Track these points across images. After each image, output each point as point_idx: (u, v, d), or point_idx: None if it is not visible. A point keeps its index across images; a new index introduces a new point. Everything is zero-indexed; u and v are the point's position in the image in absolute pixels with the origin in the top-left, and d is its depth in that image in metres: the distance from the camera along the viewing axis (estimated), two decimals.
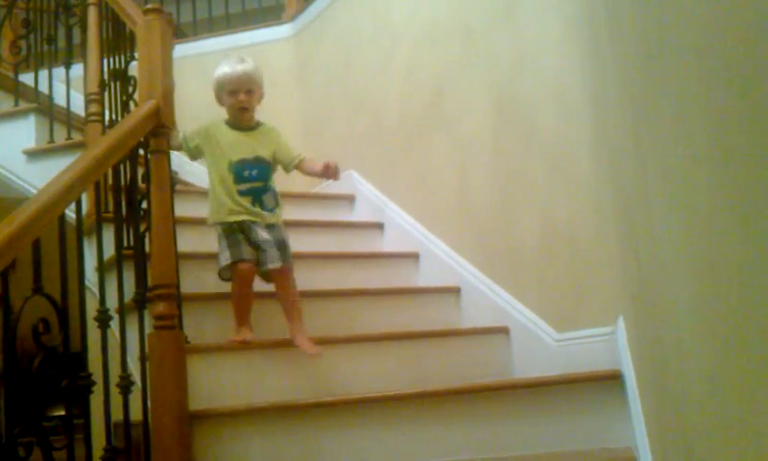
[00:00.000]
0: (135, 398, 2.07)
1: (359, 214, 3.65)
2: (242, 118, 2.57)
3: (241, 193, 2.49)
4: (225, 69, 2.53)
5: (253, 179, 2.51)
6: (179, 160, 3.51)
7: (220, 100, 2.58)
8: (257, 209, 2.49)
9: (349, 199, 3.69)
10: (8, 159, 3.44)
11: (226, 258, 2.44)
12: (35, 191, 2.50)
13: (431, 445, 2.13)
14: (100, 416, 1.93)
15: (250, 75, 2.53)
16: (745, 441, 0.66)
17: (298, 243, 3.08)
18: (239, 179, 2.50)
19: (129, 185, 2.34)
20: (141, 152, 2.34)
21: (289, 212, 3.38)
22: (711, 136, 0.64)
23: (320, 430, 2.15)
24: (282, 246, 2.48)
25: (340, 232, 3.41)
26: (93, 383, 1.87)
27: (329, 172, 2.57)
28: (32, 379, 1.71)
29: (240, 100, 2.53)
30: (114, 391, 1.98)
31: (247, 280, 2.47)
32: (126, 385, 2.00)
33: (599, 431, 2.00)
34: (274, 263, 2.44)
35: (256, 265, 2.47)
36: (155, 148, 2.29)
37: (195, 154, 2.58)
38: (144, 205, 2.32)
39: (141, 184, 2.33)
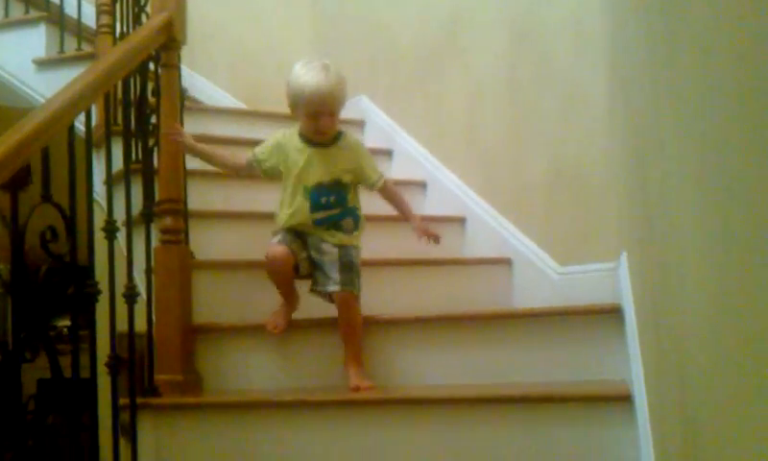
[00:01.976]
0: (140, 310, 2.10)
1: (368, 140, 3.62)
2: (317, 140, 2.20)
3: (317, 223, 2.18)
4: (306, 81, 2.11)
5: (330, 206, 2.19)
6: (189, 77, 3.49)
7: (293, 112, 2.21)
8: (333, 233, 2.19)
9: (359, 124, 3.66)
10: (17, 68, 3.42)
11: (273, 241, 2.20)
12: (43, 101, 2.49)
13: (431, 369, 2.17)
14: (104, 327, 1.96)
15: (335, 95, 2.13)
16: (739, 378, 0.67)
17: None
18: (315, 207, 2.17)
19: (138, 99, 2.33)
20: (152, 67, 2.32)
21: None
22: (729, 69, 0.63)
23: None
24: (347, 267, 2.14)
25: None
26: (99, 292, 1.89)
27: (423, 231, 2.26)
28: (38, 287, 1.73)
29: (322, 124, 2.15)
30: (120, 302, 2.01)
31: (275, 263, 2.17)
32: (131, 295, 2.02)
33: (596, 363, 2.03)
34: (331, 286, 2.13)
35: (313, 284, 2.20)
36: (165, 62, 2.27)
37: (270, 175, 2.27)
38: (153, 119, 2.31)
39: (151, 99, 2.31)
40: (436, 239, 2.27)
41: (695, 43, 0.79)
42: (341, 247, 2.17)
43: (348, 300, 2.14)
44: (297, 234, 2.20)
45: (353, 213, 2.23)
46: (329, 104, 2.13)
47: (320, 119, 2.13)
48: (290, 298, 2.24)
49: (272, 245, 2.18)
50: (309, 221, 2.18)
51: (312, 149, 2.19)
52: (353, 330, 2.15)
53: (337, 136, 2.22)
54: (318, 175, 2.18)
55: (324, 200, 2.18)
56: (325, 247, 2.17)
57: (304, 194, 2.18)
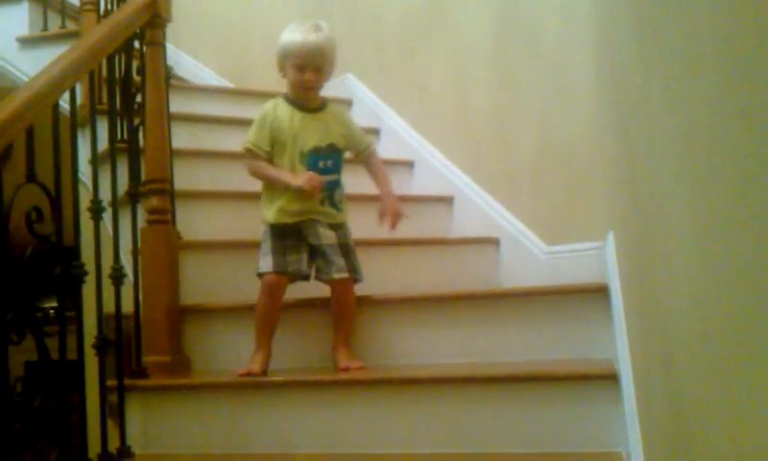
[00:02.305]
0: (127, 291, 2.09)
1: (355, 119, 3.59)
2: (307, 97, 2.20)
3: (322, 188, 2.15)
4: (294, 37, 2.14)
5: (329, 171, 2.16)
6: (174, 56, 3.47)
7: (282, 70, 2.20)
8: (325, 208, 2.16)
9: (346, 103, 3.65)
10: (0, 47, 3.38)
11: (266, 265, 2.12)
12: (27, 80, 2.46)
13: (419, 347, 2.17)
14: (91, 308, 1.95)
15: (323, 50, 2.14)
16: (725, 354, 0.67)
17: None
18: (314, 172, 2.14)
19: (123, 78, 2.31)
20: (137, 45, 2.29)
21: None
22: (718, 44, 0.63)
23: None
24: (348, 251, 2.15)
25: None
26: (85, 273, 1.89)
27: (388, 216, 2.22)
28: (24, 268, 1.72)
29: (307, 79, 2.14)
30: (106, 283, 2.00)
31: (276, 295, 2.13)
32: (118, 276, 2.01)
33: (584, 342, 2.04)
34: (340, 273, 2.11)
35: (317, 272, 2.16)
36: (150, 40, 2.25)
37: (271, 158, 2.19)
38: (138, 98, 2.29)
39: (136, 77, 2.29)
40: (393, 224, 2.23)
41: (681, 19, 0.78)
42: (337, 228, 2.16)
43: (348, 285, 2.13)
44: (289, 231, 2.14)
45: (341, 185, 2.21)
46: (316, 57, 2.13)
47: (305, 72, 2.14)
48: (273, 330, 2.15)
49: (267, 278, 2.12)
50: (315, 201, 2.13)
51: (302, 113, 2.18)
52: (348, 314, 2.15)
53: (324, 103, 2.23)
54: (314, 138, 2.16)
55: (322, 164, 2.15)
56: (322, 230, 2.14)
57: (302, 160, 2.14)
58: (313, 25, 2.16)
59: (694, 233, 0.78)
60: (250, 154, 2.17)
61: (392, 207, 2.22)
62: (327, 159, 2.16)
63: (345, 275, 2.11)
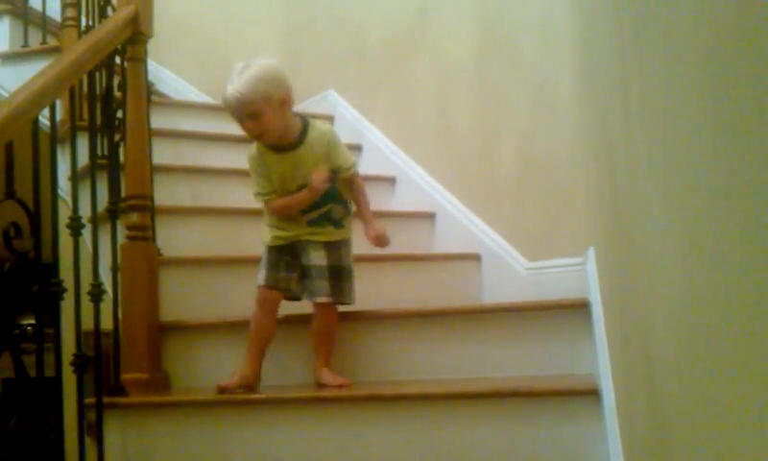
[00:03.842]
0: (106, 308, 2.07)
1: None
2: (267, 143, 2.07)
3: (311, 223, 2.12)
4: (224, 93, 2.00)
5: (319, 205, 2.10)
6: (156, 71, 3.46)
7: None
8: (323, 228, 2.12)
9: (328, 119, 3.65)
10: None
11: (260, 279, 2.10)
12: (7, 95, 2.44)
13: (401, 365, 2.17)
14: (69, 325, 1.93)
15: (244, 98, 1.94)
16: (707, 367, 0.67)
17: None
18: (305, 209, 2.10)
19: (104, 93, 2.30)
20: (118, 61, 2.29)
21: None
22: (699, 58, 0.64)
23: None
24: (337, 274, 2.10)
25: None
26: (64, 290, 1.87)
27: (376, 239, 2.17)
28: (1, 284, 1.70)
29: (249, 129, 2.01)
30: (85, 300, 1.98)
31: (268, 308, 2.09)
32: (97, 294, 1.99)
33: (565, 358, 2.04)
34: (320, 297, 2.08)
35: (302, 292, 2.14)
36: (131, 55, 2.24)
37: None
38: (119, 114, 2.28)
39: (117, 93, 2.28)
40: (381, 243, 2.18)
41: (662, 37, 0.79)
42: (330, 247, 2.11)
43: (328, 309, 2.10)
44: (285, 250, 2.13)
45: (342, 200, 2.16)
46: (242, 106, 1.95)
47: (243, 123, 2.00)
48: (264, 345, 2.09)
49: (261, 292, 2.09)
50: (302, 221, 2.10)
51: (280, 155, 2.07)
52: (327, 338, 2.12)
53: (303, 130, 2.08)
54: (299, 177, 2.08)
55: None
56: (313, 251, 2.10)
57: None
58: (238, 69, 1.98)
59: (676, 248, 0.79)
60: (261, 200, 2.14)
61: (376, 233, 2.16)
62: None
63: (324, 299, 2.08)
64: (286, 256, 2.12)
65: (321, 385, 2.05)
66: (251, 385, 2.03)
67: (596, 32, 1.63)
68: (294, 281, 2.12)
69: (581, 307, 2.05)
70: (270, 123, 1.98)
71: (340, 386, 2.02)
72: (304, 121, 2.10)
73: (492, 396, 1.86)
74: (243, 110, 1.96)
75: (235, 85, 1.94)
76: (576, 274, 2.21)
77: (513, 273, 2.56)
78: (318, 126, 2.11)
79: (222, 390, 2.01)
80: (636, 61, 1.00)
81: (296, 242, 2.11)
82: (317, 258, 2.09)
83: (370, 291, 2.49)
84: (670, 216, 0.81)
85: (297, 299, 2.15)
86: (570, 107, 2.29)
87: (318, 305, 2.10)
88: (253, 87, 1.94)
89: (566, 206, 2.35)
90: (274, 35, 4.07)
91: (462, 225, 2.83)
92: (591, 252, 2.07)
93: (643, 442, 1.22)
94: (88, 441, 1.95)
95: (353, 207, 2.21)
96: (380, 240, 2.16)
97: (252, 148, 2.12)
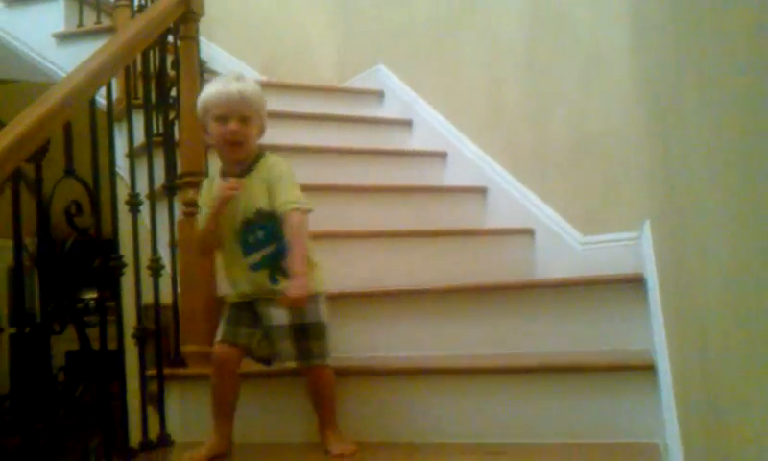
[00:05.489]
0: (165, 282, 2.12)
1: (387, 110, 3.61)
2: (233, 156, 1.88)
3: (254, 268, 1.86)
4: (212, 88, 1.87)
5: (262, 243, 1.85)
6: (207, 49, 3.49)
7: (204, 129, 1.92)
8: (276, 286, 1.83)
9: (378, 94, 3.65)
10: (38, 43, 3.44)
11: (218, 334, 1.87)
12: (63, 75, 2.50)
13: (455, 338, 2.17)
14: (130, 299, 1.99)
15: (246, 97, 1.84)
16: (759, 345, 0.67)
17: (323, 138, 3.08)
18: (246, 249, 1.86)
19: (158, 72, 2.34)
20: (170, 39, 2.32)
21: (315, 106, 3.37)
22: (751, 43, 0.63)
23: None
24: (301, 334, 1.84)
25: (367, 128, 3.39)
26: (124, 265, 1.92)
27: (289, 301, 1.75)
28: (65, 260, 1.76)
29: (231, 130, 1.83)
30: (145, 275, 2.04)
31: (223, 368, 1.85)
32: (156, 269, 2.05)
33: (619, 333, 2.02)
34: (286, 360, 1.87)
35: (269, 354, 1.89)
36: (184, 34, 2.27)
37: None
38: (173, 92, 2.32)
39: (171, 71, 2.32)
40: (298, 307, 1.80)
41: (714, 18, 0.78)
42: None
43: (316, 371, 1.87)
44: (246, 307, 1.89)
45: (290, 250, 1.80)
46: (240, 104, 1.84)
47: (228, 123, 1.83)
48: (228, 407, 1.88)
49: (215, 350, 1.87)
50: (245, 268, 1.87)
51: (230, 179, 1.87)
52: (326, 399, 1.89)
53: (257, 160, 1.89)
54: (241, 210, 1.86)
55: (251, 238, 1.86)
56: (273, 311, 1.85)
57: (236, 238, 1.88)
58: (235, 75, 1.92)
59: (729, 225, 0.78)
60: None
61: (292, 296, 1.74)
62: (257, 230, 1.85)
63: (293, 364, 1.87)
64: (248, 313, 1.88)
65: (333, 456, 1.81)
66: (222, 453, 1.85)
67: (649, 7, 1.60)
68: (255, 340, 1.86)
69: (636, 282, 2.02)
70: (251, 134, 1.87)
71: (341, 456, 1.79)
72: (262, 152, 1.93)
73: (546, 370, 1.86)
74: (239, 109, 1.84)
75: (239, 85, 1.86)
76: (631, 248, 2.19)
77: (567, 247, 2.54)
78: (273, 157, 1.92)
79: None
80: (691, 45, 0.98)
81: (255, 300, 1.88)
82: (278, 317, 1.84)
83: (421, 266, 2.51)
84: (723, 193, 0.80)
85: (266, 363, 1.93)
86: (623, 81, 2.25)
87: (304, 370, 1.89)
88: (257, 94, 1.89)
89: (621, 179, 2.31)
90: (323, 11, 4.07)
91: (514, 199, 2.81)
92: (647, 225, 2.05)
93: (699, 417, 1.21)
94: (150, 409, 2.02)
95: (315, 256, 1.90)
96: (294, 303, 1.76)
97: (205, 182, 2.00)
